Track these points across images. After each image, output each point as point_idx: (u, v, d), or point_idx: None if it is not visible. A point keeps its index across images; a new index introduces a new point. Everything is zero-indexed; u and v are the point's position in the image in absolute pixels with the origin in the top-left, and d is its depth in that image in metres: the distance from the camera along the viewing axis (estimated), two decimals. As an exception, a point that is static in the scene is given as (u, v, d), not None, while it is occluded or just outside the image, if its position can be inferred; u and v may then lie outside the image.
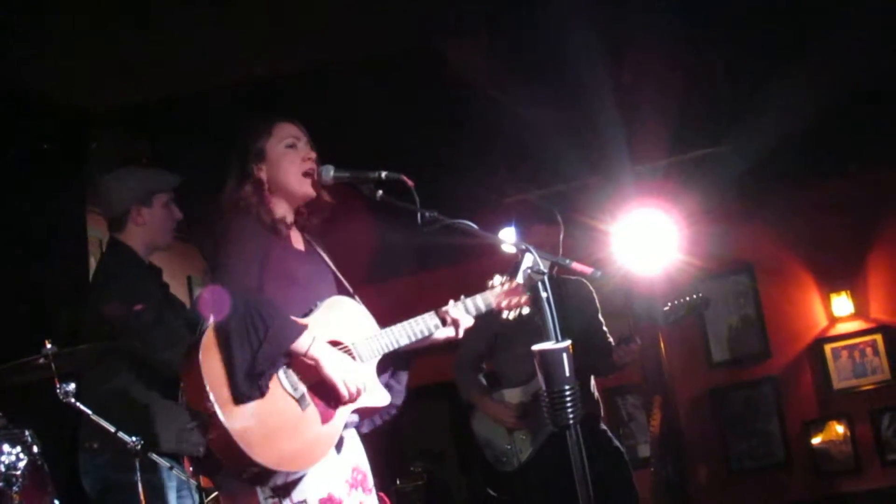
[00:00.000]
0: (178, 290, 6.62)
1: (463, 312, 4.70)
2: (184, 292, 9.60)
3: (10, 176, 7.00)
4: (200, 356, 4.01)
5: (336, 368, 4.21)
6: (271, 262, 4.39)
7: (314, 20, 7.05)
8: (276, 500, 4.13)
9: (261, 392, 4.04)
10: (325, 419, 4.22)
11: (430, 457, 11.65)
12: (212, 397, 3.95)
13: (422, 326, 4.62)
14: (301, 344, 4.14)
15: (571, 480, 4.03)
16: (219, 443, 3.97)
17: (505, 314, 4.77)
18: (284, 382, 4.16)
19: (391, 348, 4.55)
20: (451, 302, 4.72)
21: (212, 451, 4.05)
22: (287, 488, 4.13)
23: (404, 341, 4.58)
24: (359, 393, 4.30)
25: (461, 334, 4.71)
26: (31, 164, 7.23)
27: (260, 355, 3.99)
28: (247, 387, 3.99)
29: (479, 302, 4.74)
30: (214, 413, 3.94)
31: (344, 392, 4.22)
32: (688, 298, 7.25)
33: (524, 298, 4.76)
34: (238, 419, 3.97)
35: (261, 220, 4.46)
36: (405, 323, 4.61)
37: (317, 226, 4.75)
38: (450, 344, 4.78)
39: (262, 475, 4.02)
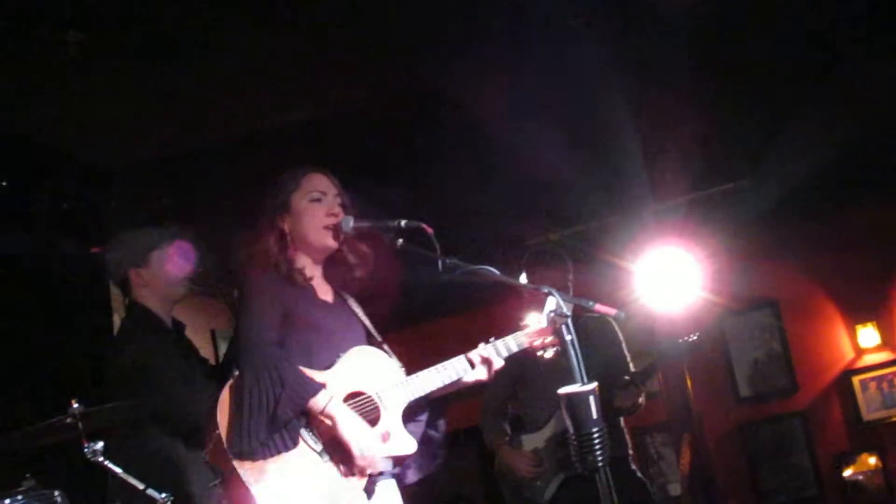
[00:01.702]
0: (201, 344, 6.62)
1: (494, 353, 4.68)
2: (208, 346, 9.62)
3: (32, 234, 7.02)
4: (218, 413, 4.03)
5: (351, 430, 4.19)
6: (294, 314, 4.39)
7: (334, 67, 7.08)
8: None
9: (275, 446, 4.04)
10: (346, 473, 4.21)
11: (460, 502, 11.63)
12: (230, 454, 3.95)
13: (450, 371, 4.60)
14: (318, 402, 4.13)
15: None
16: (238, 499, 3.97)
17: (539, 353, 4.76)
18: (306, 436, 4.15)
19: (419, 394, 4.52)
20: (482, 344, 4.70)
21: None
22: None
23: (434, 386, 4.56)
24: (371, 462, 4.25)
25: (491, 375, 4.68)
26: (53, 223, 7.26)
27: (276, 411, 4.00)
28: (251, 443, 3.98)
29: (511, 343, 4.72)
30: (233, 470, 3.95)
31: (357, 453, 4.19)
32: (694, 336, 7.24)
33: (553, 339, 4.74)
34: (257, 474, 3.97)
35: (279, 271, 4.47)
36: (433, 368, 4.58)
37: (350, 279, 4.74)
38: (480, 386, 4.77)
39: None
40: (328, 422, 4.15)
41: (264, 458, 3.99)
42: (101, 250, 5.86)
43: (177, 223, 5.91)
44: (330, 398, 4.17)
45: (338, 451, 4.20)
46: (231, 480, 3.98)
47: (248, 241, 4.58)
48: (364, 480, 4.25)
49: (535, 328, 4.75)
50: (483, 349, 4.68)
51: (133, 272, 5.63)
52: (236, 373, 4.12)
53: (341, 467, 4.19)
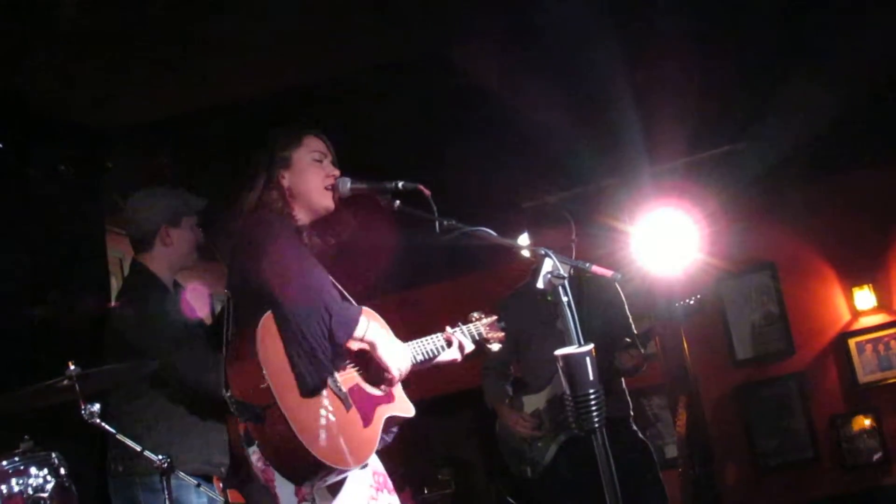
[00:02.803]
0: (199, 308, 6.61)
1: (467, 338, 4.87)
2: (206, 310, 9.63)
3: (28, 198, 7.01)
4: (259, 346, 4.01)
5: (390, 348, 4.33)
6: (306, 262, 4.42)
7: (329, 31, 7.05)
8: None
9: (324, 383, 4.09)
10: (366, 422, 4.26)
11: (457, 465, 11.65)
12: (272, 388, 3.96)
13: (431, 346, 4.73)
14: (362, 326, 4.21)
15: (597, 483, 4.01)
16: (274, 435, 3.97)
17: (488, 346, 5.00)
18: (330, 381, 4.17)
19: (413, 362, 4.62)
20: (448, 328, 4.87)
21: (259, 446, 4.09)
22: (324, 496, 4.15)
23: (419, 358, 4.66)
24: (401, 376, 4.39)
25: (460, 358, 4.85)
26: (49, 186, 7.24)
27: (329, 341, 4.07)
28: (315, 378, 4.04)
29: (466, 332, 4.95)
30: (274, 404, 3.95)
31: (395, 371, 4.32)
32: (693, 298, 7.27)
33: (501, 335, 5.13)
34: (297, 411, 3.98)
35: (288, 223, 4.49)
36: (417, 341, 4.70)
37: (333, 245, 4.76)
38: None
39: (313, 470, 4.03)
40: (366, 346, 4.27)
41: (313, 393, 4.04)
42: (130, 200, 5.81)
43: (204, 196, 5.91)
44: (368, 323, 4.26)
45: (359, 397, 4.29)
46: (268, 415, 3.98)
47: (245, 194, 4.58)
48: (380, 430, 4.32)
49: (486, 321, 5.05)
50: (458, 332, 4.89)
51: (164, 229, 5.65)
52: (266, 315, 4.11)
53: (362, 416, 4.25)
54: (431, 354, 4.71)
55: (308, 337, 4.02)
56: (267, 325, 4.07)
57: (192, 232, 5.75)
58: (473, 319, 5.03)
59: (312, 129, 4.76)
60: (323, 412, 4.07)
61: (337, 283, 4.67)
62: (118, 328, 5.44)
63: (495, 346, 5.09)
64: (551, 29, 7.27)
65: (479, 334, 4.99)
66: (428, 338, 4.75)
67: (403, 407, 4.51)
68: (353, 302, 4.67)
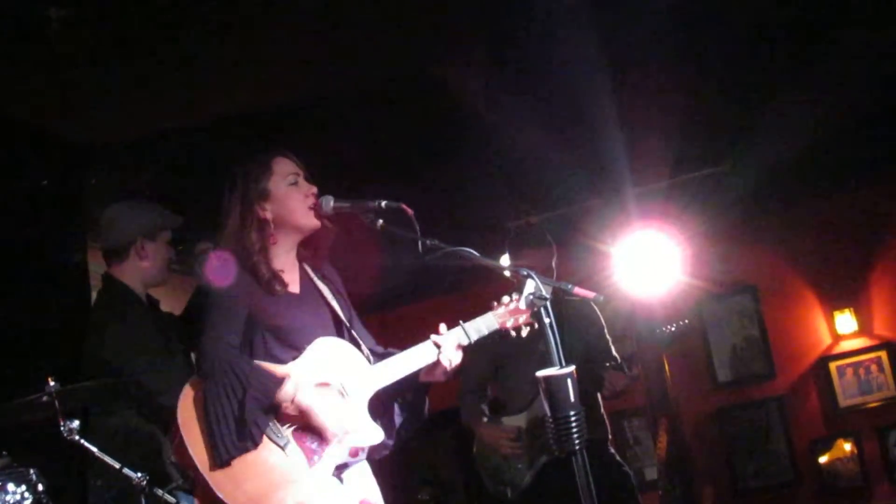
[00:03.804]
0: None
1: (448, 338, 4.61)
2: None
3: (10, 212, 6.99)
4: (179, 418, 4.04)
5: (326, 412, 4.22)
6: (261, 315, 4.39)
7: (311, 50, 7.06)
8: None
9: (246, 448, 4.03)
10: (311, 462, 4.19)
11: (437, 484, 11.64)
12: (193, 457, 3.97)
13: (417, 358, 4.57)
14: (286, 392, 4.14)
15: (576, 505, 4.01)
16: (206, 499, 3.99)
17: (512, 334, 4.72)
18: (269, 432, 4.14)
19: (386, 382, 4.52)
20: (443, 327, 4.66)
21: None
22: None
23: (401, 374, 4.54)
24: (346, 435, 4.28)
25: (445, 360, 4.57)
26: (32, 200, 7.23)
27: (243, 415, 4.00)
28: (227, 448, 3.98)
29: (481, 325, 4.67)
30: (197, 472, 3.97)
31: (337, 433, 4.23)
32: (678, 325, 7.27)
33: (526, 317, 4.68)
34: (222, 478, 3.97)
35: (257, 274, 4.44)
36: (401, 354, 4.58)
37: (324, 256, 4.73)
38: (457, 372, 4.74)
39: None
40: (299, 410, 4.17)
41: (227, 464, 3.99)
42: (106, 211, 5.79)
43: (179, 213, 5.91)
44: (296, 386, 4.17)
45: (305, 438, 4.21)
46: (197, 483, 4.01)
47: (222, 229, 4.55)
48: (332, 468, 4.25)
49: (507, 308, 4.70)
50: (450, 332, 4.64)
51: (141, 241, 5.63)
52: (193, 378, 4.13)
53: (307, 457, 4.18)
54: (417, 367, 4.56)
55: (219, 410, 3.99)
56: (188, 394, 4.09)
57: (166, 248, 5.74)
58: (494, 307, 4.72)
59: (278, 150, 4.68)
60: (253, 474, 4.04)
61: (334, 303, 4.64)
62: (96, 344, 5.42)
63: (524, 331, 4.79)
64: (535, 50, 7.29)
65: (489, 327, 4.66)
66: (413, 348, 4.58)
67: (366, 436, 4.41)
68: (348, 324, 4.65)
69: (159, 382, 5.18)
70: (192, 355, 4.48)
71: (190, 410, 4.05)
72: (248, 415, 4.01)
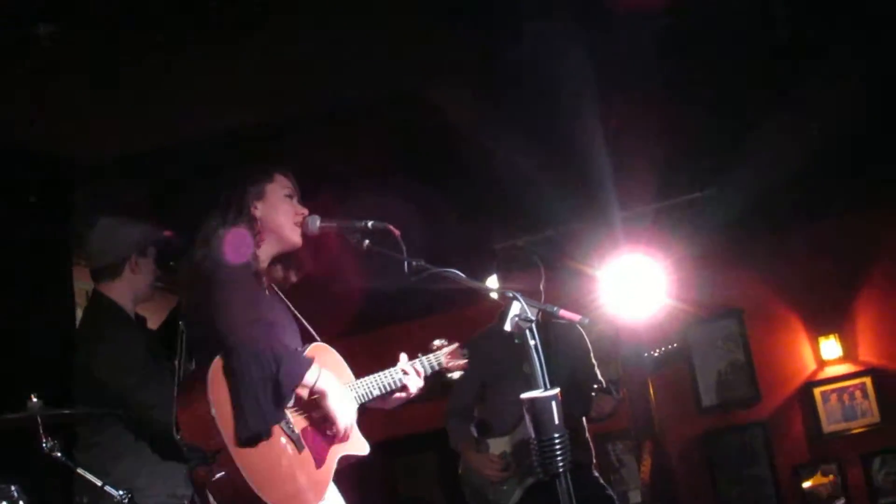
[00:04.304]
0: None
1: (418, 367, 4.84)
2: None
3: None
4: (210, 392, 3.99)
5: (340, 400, 4.28)
6: (258, 307, 4.39)
7: (301, 70, 7.07)
8: None
9: (270, 430, 4.06)
10: (318, 463, 4.25)
11: (419, 505, 11.63)
12: (222, 433, 3.93)
13: (389, 380, 4.71)
14: (310, 376, 4.17)
15: (561, 529, 4.00)
16: (224, 481, 3.96)
17: (449, 375, 4.94)
18: (283, 423, 4.16)
19: (366, 399, 4.61)
20: (404, 356, 4.83)
21: (209, 490, 4.04)
22: None
23: (375, 393, 4.64)
24: (347, 432, 4.33)
25: (414, 389, 4.78)
26: (16, 217, 7.21)
27: (276, 391, 4.01)
28: (259, 424, 4.00)
29: (426, 363, 4.92)
30: (223, 449, 3.93)
31: (341, 426, 4.27)
32: (664, 349, 7.28)
33: (463, 362, 5.08)
34: (246, 456, 3.96)
35: (247, 266, 4.45)
36: (376, 375, 4.69)
37: (293, 281, 4.75)
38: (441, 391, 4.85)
39: None
40: (316, 395, 4.22)
41: (257, 440, 4.00)
42: (95, 229, 5.78)
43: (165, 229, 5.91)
44: (319, 372, 4.20)
45: (312, 437, 4.27)
46: (217, 461, 3.97)
47: (214, 226, 4.54)
48: (333, 471, 4.32)
49: (448, 349, 5.02)
50: (414, 363, 4.84)
51: (135, 256, 5.63)
52: (217, 358, 4.09)
53: (314, 457, 4.24)
54: (389, 388, 4.69)
55: (253, 386, 3.98)
56: (216, 371, 4.05)
57: (153, 263, 5.74)
58: (434, 348, 5.02)
59: (281, 168, 4.74)
60: (273, 456, 4.07)
61: (304, 320, 4.66)
62: (87, 362, 5.41)
63: (456, 375, 5.08)
64: (523, 74, 7.30)
65: (439, 364, 4.97)
66: (384, 371, 4.73)
67: (358, 445, 4.50)
68: (317, 337, 4.67)
69: (153, 397, 5.18)
70: (176, 361, 4.45)
71: (222, 387, 4.02)
72: (285, 390, 4.04)
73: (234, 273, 4.32)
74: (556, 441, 3.98)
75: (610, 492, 7.06)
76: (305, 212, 4.64)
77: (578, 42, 6.95)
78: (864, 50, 7.64)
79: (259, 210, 4.56)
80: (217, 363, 4.06)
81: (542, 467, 4.02)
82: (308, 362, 4.20)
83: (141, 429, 5.28)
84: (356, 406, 4.48)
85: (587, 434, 7.01)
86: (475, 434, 7.15)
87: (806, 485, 10.89)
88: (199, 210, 4.72)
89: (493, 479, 6.84)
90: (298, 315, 4.71)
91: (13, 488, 4.85)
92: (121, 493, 4.80)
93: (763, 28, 7.37)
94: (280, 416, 4.11)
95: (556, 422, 4.00)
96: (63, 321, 7.34)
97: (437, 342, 5.06)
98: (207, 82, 7.03)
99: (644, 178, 9.18)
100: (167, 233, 5.83)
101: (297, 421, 4.24)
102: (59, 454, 4.84)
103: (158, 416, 5.11)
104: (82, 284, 7.64)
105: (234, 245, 4.41)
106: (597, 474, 7.02)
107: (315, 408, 4.26)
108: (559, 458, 3.98)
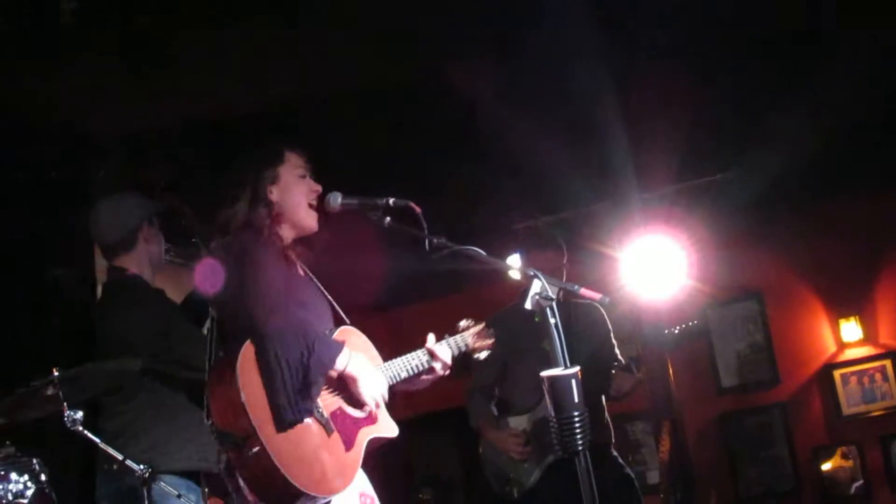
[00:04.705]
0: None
1: (445, 349, 4.82)
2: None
3: (17, 204, 7.00)
4: (239, 377, 4.00)
5: (372, 380, 4.32)
6: (289, 287, 4.40)
7: (323, 48, 7.07)
8: None
9: (308, 412, 4.08)
10: (347, 447, 4.25)
11: (437, 484, 11.64)
12: (251, 418, 3.94)
13: (416, 362, 4.72)
14: (342, 361, 4.18)
15: (580, 507, 4.01)
16: (254, 465, 3.97)
17: (476, 355, 4.93)
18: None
19: (394, 381, 4.61)
20: (432, 337, 4.82)
21: (240, 474, 4.06)
22: None
23: (403, 375, 4.65)
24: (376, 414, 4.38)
25: (442, 371, 4.80)
26: (39, 193, 7.23)
27: (307, 376, 4.03)
28: (293, 410, 4.02)
29: (453, 344, 4.90)
30: (254, 434, 3.94)
31: (373, 408, 4.31)
32: (684, 326, 7.28)
33: (490, 341, 5.05)
34: (276, 440, 3.97)
35: (273, 245, 4.47)
36: (402, 358, 4.69)
37: (311, 259, 4.75)
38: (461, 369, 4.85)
39: (296, 499, 4.02)
40: (346, 377, 4.25)
41: (291, 425, 4.02)
42: (103, 208, 5.80)
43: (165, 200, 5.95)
44: (350, 355, 4.23)
45: (341, 420, 4.27)
46: (248, 445, 3.98)
47: (232, 211, 4.55)
48: (362, 453, 4.32)
49: (475, 329, 5.01)
50: (441, 344, 4.84)
51: (146, 225, 5.68)
52: (247, 343, 4.10)
53: (343, 440, 4.24)
54: (416, 370, 4.70)
55: (287, 371, 4.00)
56: (247, 355, 4.06)
57: (160, 232, 5.78)
58: (461, 328, 5.00)
59: (290, 145, 4.74)
60: (304, 440, 4.07)
61: (330, 298, 4.67)
62: (113, 331, 5.43)
63: (483, 355, 5.06)
64: (543, 53, 7.29)
65: (466, 345, 4.96)
66: (411, 354, 4.73)
67: (386, 427, 4.50)
68: (346, 318, 4.68)
69: (189, 351, 5.20)
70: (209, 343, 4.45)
71: (252, 372, 4.04)
72: (314, 376, 4.06)
73: (266, 256, 4.34)
74: (576, 419, 3.98)
75: (629, 471, 7.08)
76: (319, 189, 4.65)
77: (599, 22, 6.94)
78: (883, 32, 7.61)
79: (274, 194, 4.57)
80: (247, 348, 4.07)
81: (561, 445, 4.03)
82: (339, 346, 4.22)
83: (176, 389, 5.29)
84: (387, 387, 4.49)
85: (607, 414, 7.02)
86: (495, 412, 7.17)
87: (825, 467, 10.88)
88: (216, 191, 4.73)
89: (514, 454, 6.86)
90: (328, 296, 4.71)
91: (35, 461, 4.89)
92: (142, 467, 4.82)
93: (783, 9, 7.35)
94: (313, 405, 4.12)
95: (576, 400, 4.00)
96: (85, 297, 7.36)
97: (463, 322, 5.04)
98: (225, 62, 7.04)
99: (664, 159, 9.16)
100: (169, 199, 5.87)
101: (326, 404, 4.24)
102: (80, 427, 4.85)
103: (199, 366, 5.12)
104: (103, 261, 7.68)
105: (257, 230, 4.44)
106: (616, 453, 7.03)
107: (345, 391, 4.28)
108: (578, 436, 3.98)
